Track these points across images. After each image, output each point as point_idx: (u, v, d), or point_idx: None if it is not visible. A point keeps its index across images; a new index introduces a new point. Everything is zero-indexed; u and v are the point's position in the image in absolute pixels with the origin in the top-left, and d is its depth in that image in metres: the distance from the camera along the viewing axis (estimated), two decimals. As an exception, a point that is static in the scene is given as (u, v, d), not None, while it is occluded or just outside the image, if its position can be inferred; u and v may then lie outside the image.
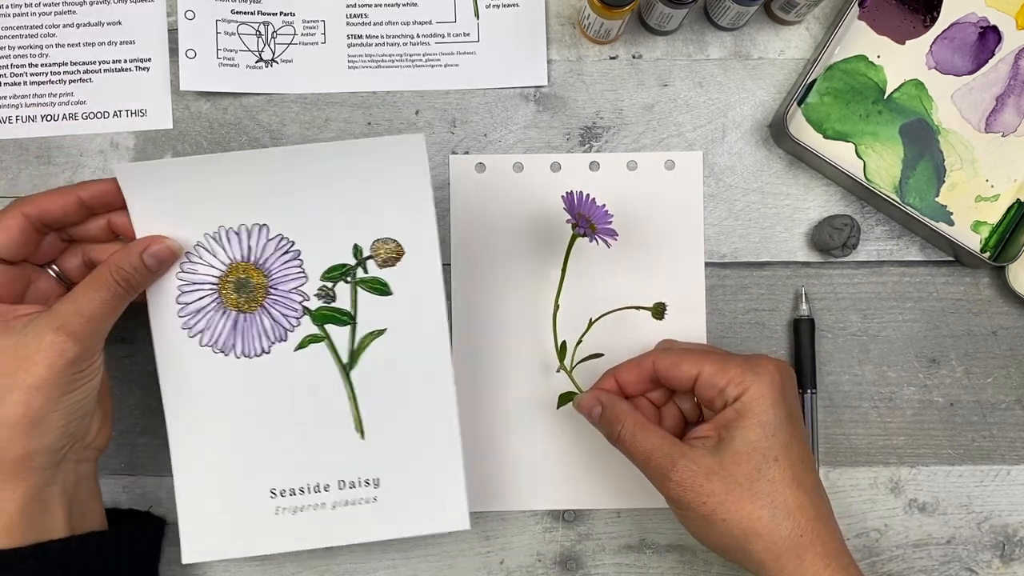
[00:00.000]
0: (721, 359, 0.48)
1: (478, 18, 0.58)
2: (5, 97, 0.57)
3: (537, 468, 0.56)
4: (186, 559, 0.50)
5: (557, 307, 0.54)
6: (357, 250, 0.50)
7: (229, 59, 0.57)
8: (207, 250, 0.49)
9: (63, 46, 0.57)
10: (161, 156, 0.57)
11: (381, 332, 0.50)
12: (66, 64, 0.57)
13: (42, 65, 0.57)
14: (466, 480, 0.51)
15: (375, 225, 0.50)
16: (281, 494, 0.50)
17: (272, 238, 0.50)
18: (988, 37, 0.57)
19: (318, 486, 0.51)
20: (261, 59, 0.57)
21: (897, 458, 0.57)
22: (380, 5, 0.58)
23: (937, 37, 0.57)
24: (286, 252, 0.50)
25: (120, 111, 0.57)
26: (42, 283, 0.48)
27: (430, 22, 0.58)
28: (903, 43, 0.57)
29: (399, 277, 0.50)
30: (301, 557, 0.56)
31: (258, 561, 0.55)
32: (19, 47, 0.57)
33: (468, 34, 0.57)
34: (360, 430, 0.51)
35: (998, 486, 0.57)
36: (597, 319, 0.54)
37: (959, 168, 0.56)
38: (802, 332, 0.56)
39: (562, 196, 0.52)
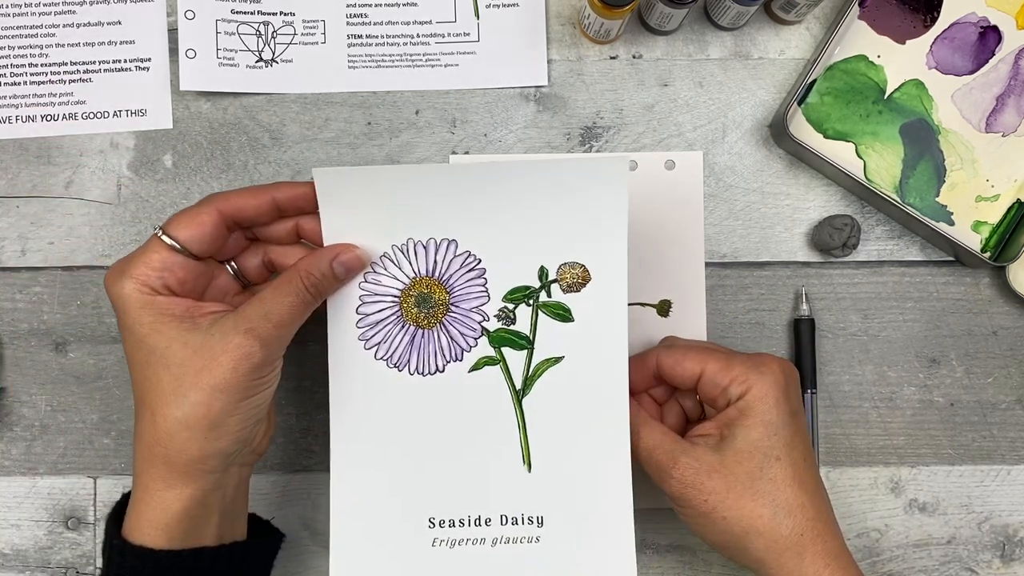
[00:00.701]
0: (725, 357, 0.48)
1: (478, 18, 0.58)
2: (5, 97, 0.57)
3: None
4: None
5: None
6: (543, 272, 0.48)
7: (229, 59, 0.57)
8: (393, 262, 0.48)
9: (63, 46, 0.57)
10: (161, 157, 0.57)
11: (558, 360, 0.48)
12: (66, 64, 0.57)
13: (42, 65, 0.57)
14: (634, 528, 0.48)
15: (564, 248, 0.48)
16: (440, 524, 0.48)
17: (459, 254, 0.48)
18: (988, 37, 0.57)
19: (479, 519, 0.48)
20: (261, 59, 0.57)
21: (897, 458, 0.57)
22: (380, 5, 0.58)
23: (937, 37, 0.57)
24: (472, 269, 0.48)
25: (120, 111, 0.57)
26: (221, 280, 0.47)
27: (430, 22, 0.57)
28: (903, 43, 0.57)
29: (583, 304, 0.48)
30: (301, 557, 0.56)
31: None
32: (19, 47, 0.57)
33: (468, 34, 0.57)
34: (527, 462, 0.48)
35: (998, 486, 0.57)
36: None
37: (959, 168, 0.56)
38: (802, 332, 0.56)
39: None
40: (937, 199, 0.56)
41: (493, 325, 0.48)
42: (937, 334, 0.57)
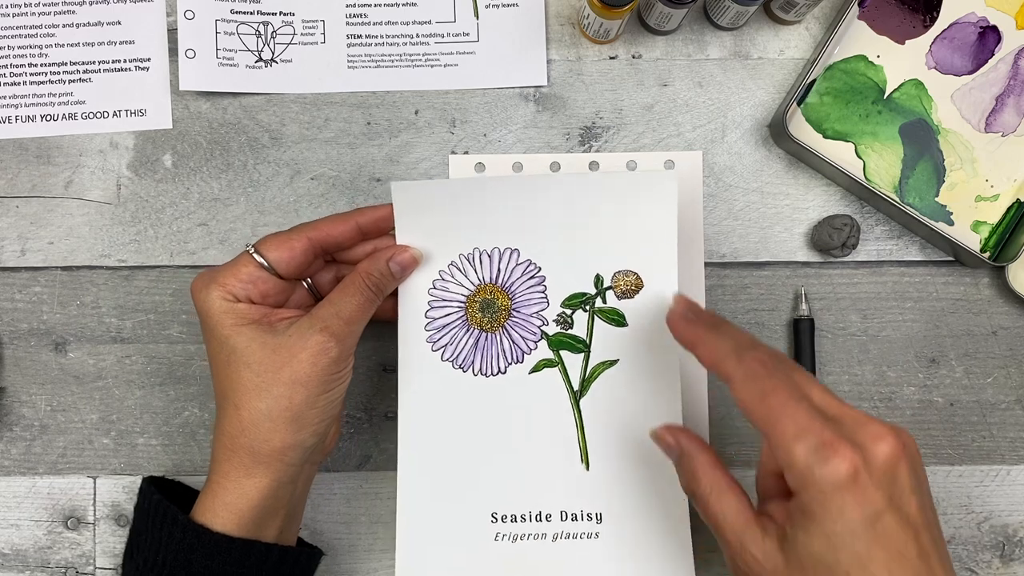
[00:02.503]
0: (793, 425, 0.39)
1: (478, 18, 0.58)
2: (5, 97, 0.57)
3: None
4: None
5: None
6: (598, 280, 0.51)
7: (229, 59, 0.57)
8: (459, 270, 0.51)
9: (63, 46, 0.57)
10: (160, 157, 0.57)
11: (613, 362, 0.51)
12: (66, 64, 0.57)
13: (42, 65, 0.57)
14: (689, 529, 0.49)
15: (618, 257, 0.51)
16: (502, 519, 0.50)
17: (521, 263, 0.51)
18: (988, 37, 0.57)
19: (540, 515, 0.50)
20: (261, 59, 0.57)
21: (897, 458, 0.57)
22: (380, 5, 0.58)
23: (937, 37, 0.57)
24: (532, 277, 0.51)
25: (120, 111, 0.57)
26: (297, 294, 0.50)
27: (430, 22, 0.58)
28: (903, 43, 0.57)
29: (636, 309, 0.51)
30: (301, 557, 0.56)
31: None
32: (19, 47, 0.57)
33: (468, 34, 0.57)
34: (585, 461, 0.50)
35: (998, 486, 0.57)
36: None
37: (959, 168, 0.56)
38: (802, 332, 0.56)
39: None
40: (937, 199, 0.56)
41: (552, 329, 0.51)
42: (937, 334, 0.57)
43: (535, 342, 0.51)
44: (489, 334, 0.51)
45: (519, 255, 0.51)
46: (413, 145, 0.57)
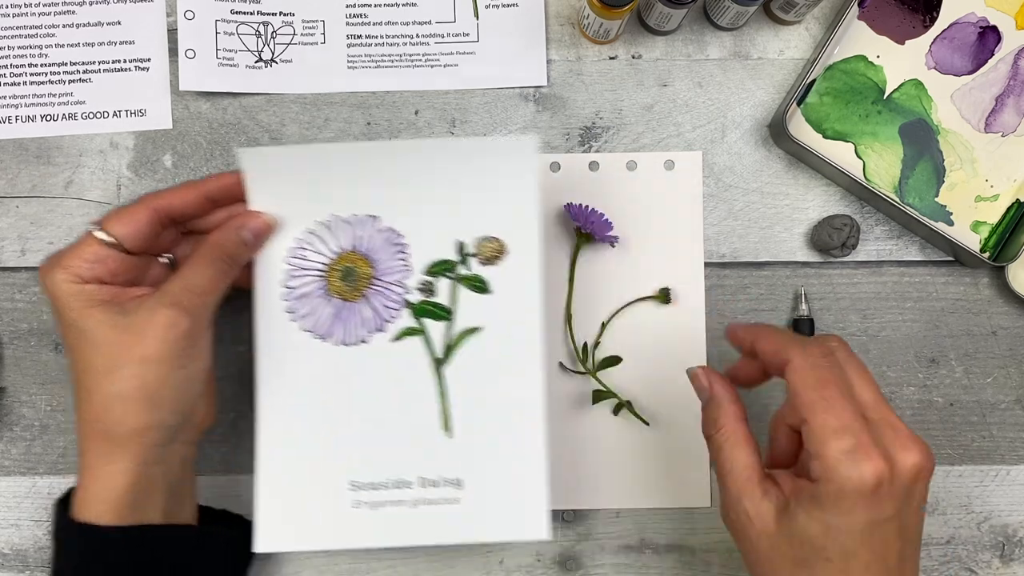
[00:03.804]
0: (836, 419, 0.40)
1: (478, 18, 0.58)
2: (5, 97, 0.57)
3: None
4: (259, 548, 0.49)
5: (570, 315, 0.55)
6: (461, 247, 0.50)
7: (229, 59, 0.57)
8: (318, 237, 0.50)
9: (63, 46, 0.57)
10: (160, 157, 0.57)
11: (477, 330, 0.50)
12: (66, 64, 0.57)
13: (42, 65, 0.57)
14: (549, 489, 0.50)
15: (480, 223, 0.50)
16: (362, 487, 0.50)
17: (382, 230, 0.50)
18: (988, 37, 0.57)
19: (400, 482, 0.50)
20: (261, 59, 0.57)
21: (897, 458, 0.57)
22: (380, 5, 0.58)
23: (937, 37, 0.57)
24: (393, 244, 0.50)
25: (120, 111, 0.57)
26: (155, 270, 0.49)
27: (430, 22, 0.58)
28: (903, 43, 0.57)
29: (499, 277, 0.50)
30: (301, 556, 0.56)
31: (257, 560, 0.55)
32: (19, 47, 0.57)
33: (468, 34, 0.57)
34: (447, 428, 0.50)
35: (998, 486, 0.57)
36: (609, 320, 0.56)
37: (959, 168, 0.56)
38: (802, 332, 0.56)
39: (565, 206, 0.55)
40: (936, 199, 0.56)
41: (415, 297, 0.51)
42: (936, 334, 0.57)
43: (397, 310, 0.50)
44: (350, 303, 0.50)
45: (379, 222, 0.50)
46: (413, 145, 0.57)
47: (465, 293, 0.50)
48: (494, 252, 0.50)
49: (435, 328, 0.50)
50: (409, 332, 0.50)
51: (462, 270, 0.51)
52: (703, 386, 0.46)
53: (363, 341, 0.50)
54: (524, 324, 0.50)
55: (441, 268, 0.51)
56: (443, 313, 0.50)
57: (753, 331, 0.46)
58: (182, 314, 0.44)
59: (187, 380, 0.45)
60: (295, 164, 0.49)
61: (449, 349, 0.50)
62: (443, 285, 0.51)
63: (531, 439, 0.50)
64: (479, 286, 0.50)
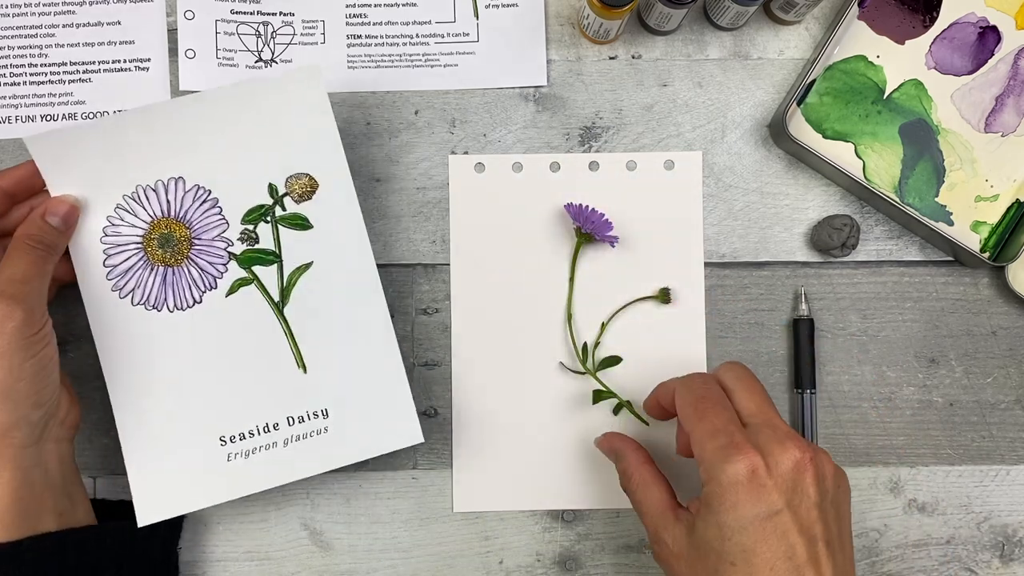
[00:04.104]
0: (710, 431, 0.43)
1: (477, 18, 0.58)
2: (5, 97, 0.57)
3: (536, 468, 0.56)
4: (141, 521, 0.50)
5: (570, 316, 0.55)
6: (272, 189, 0.52)
7: (228, 59, 0.57)
8: (127, 210, 0.51)
9: (63, 46, 0.57)
10: (160, 156, 0.57)
11: (308, 266, 0.52)
12: (66, 64, 0.57)
13: (42, 65, 0.57)
14: (413, 398, 0.52)
15: (286, 162, 0.52)
16: (231, 440, 0.51)
17: (189, 190, 0.51)
18: (987, 37, 0.57)
19: (267, 426, 0.51)
20: (260, 59, 0.57)
21: (897, 458, 0.57)
22: (380, 5, 0.58)
23: (936, 37, 0.57)
24: (204, 201, 0.51)
25: (120, 111, 0.57)
26: None
27: (429, 22, 0.58)
28: (902, 43, 0.57)
29: (317, 210, 0.52)
30: (301, 557, 0.56)
31: (256, 560, 0.55)
32: (19, 47, 0.57)
33: (467, 34, 0.57)
34: (302, 365, 0.52)
35: (998, 486, 0.57)
36: (609, 320, 0.56)
37: (959, 168, 0.56)
38: (801, 332, 0.56)
39: (565, 206, 0.55)
40: (936, 199, 0.56)
41: (239, 248, 0.52)
42: (936, 334, 0.57)
43: (224, 265, 0.51)
44: (175, 268, 0.51)
45: (184, 183, 0.51)
46: (413, 145, 0.57)
47: (288, 233, 0.52)
48: (305, 188, 0.51)
49: (267, 273, 0.52)
50: (241, 283, 0.52)
51: (279, 211, 0.52)
52: (609, 448, 0.51)
53: (198, 302, 0.51)
54: (352, 251, 0.52)
55: (258, 214, 0.52)
56: (270, 257, 0.52)
57: (656, 395, 0.50)
58: (11, 303, 0.44)
59: (39, 370, 0.45)
60: (87, 142, 0.50)
61: (285, 290, 0.52)
62: (265, 230, 0.52)
63: (385, 354, 0.52)
64: (299, 223, 0.52)
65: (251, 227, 0.52)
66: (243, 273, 0.52)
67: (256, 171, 0.51)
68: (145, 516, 0.50)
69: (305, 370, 0.52)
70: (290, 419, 0.51)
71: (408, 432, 0.52)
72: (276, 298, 0.52)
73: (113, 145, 0.50)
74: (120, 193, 0.51)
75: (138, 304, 0.51)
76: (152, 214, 0.51)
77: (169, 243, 0.51)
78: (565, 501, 0.56)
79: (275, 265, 0.52)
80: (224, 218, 0.51)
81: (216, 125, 0.51)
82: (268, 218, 0.52)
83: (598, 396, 0.55)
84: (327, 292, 0.52)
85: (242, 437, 0.51)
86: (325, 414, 0.52)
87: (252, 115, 0.51)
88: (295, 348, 0.52)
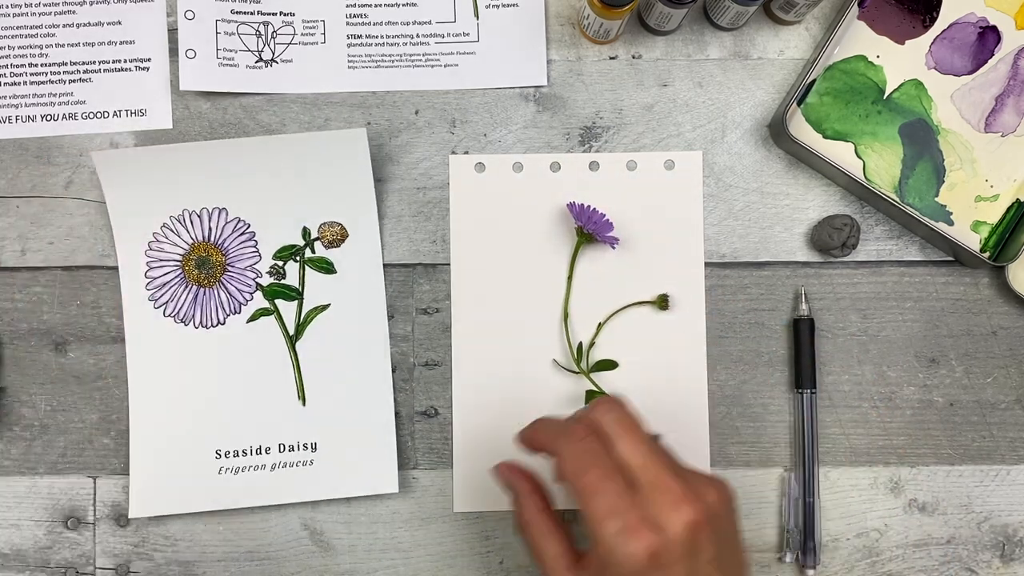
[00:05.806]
0: (604, 502, 0.41)
1: (478, 18, 0.58)
2: (5, 97, 0.57)
3: (536, 468, 0.56)
4: (133, 514, 0.54)
5: (567, 315, 0.55)
6: (306, 232, 0.56)
7: (229, 59, 0.57)
8: (172, 231, 0.55)
9: (63, 46, 0.57)
10: (161, 156, 0.57)
11: (325, 307, 0.56)
12: (66, 64, 0.57)
13: (42, 65, 0.57)
14: (397, 447, 0.55)
15: (322, 210, 0.56)
16: (226, 455, 0.55)
17: (230, 220, 0.55)
18: (987, 37, 0.57)
19: (260, 448, 0.55)
20: (261, 59, 0.57)
21: (897, 458, 0.57)
22: (380, 5, 0.58)
23: (936, 37, 0.57)
24: (243, 233, 0.56)
25: (120, 111, 0.57)
26: None
27: (430, 22, 0.58)
28: (902, 43, 0.57)
29: (343, 257, 0.56)
30: (301, 557, 0.56)
31: (256, 560, 0.56)
32: (19, 47, 0.57)
33: (468, 34, 0.58)
34: (302, 397, 0.55)
35: (998, 486, 0.57)
36: (605, 321, 0.55)
37: (959, 168, 0.56)
38: (802, 332, 0.56)
39: (567, 206, 0.55)
40: (936, 199, 0.56)
41: (266, 281, 0.56)
42: (936, 334, 0.57)
43: (251, 293, 0.56)
44: (207, 289, 0.55)
45: (227, 214, 0.55)
46: (413, 145, 0.57)
47: (313, 274, 0.56)
48: (337, 235, 0.56)
49: (287, 308, 0.56)
50: (263, 312, 0.56)
51: (308, 253, 0.56)
52: (505, 482, 0.48)
53: (221, 323, 0.55)
54: (368, 300, 0.56)
55: (289, 252, 0.56)
56: (293, 294, 0.56)
57: (530, 433, 0.46)
58: None
59: None
60: (146, 165, 0.54)
61: (301, 326, 0.56)
62: (292, 268, 0.56)
63: (379, 403, 0.55)
64: (325, 267, 0.56)
65: (281, 263, 0.56)
66: (266, 304, 0.56)
67: (294, 213, 0.55)
68: (138, 510, 0.54)
69: (304, 402, 0.55)
70: (281, 446, 0.55)
71: (386, 481, 0.55)
72: (291, 332, 0.56)
73: (168, 170, 0.54)
74: (168, 214, 0.55)
75: (169, 316, 0.55)
76: (194, 237, 0.55)
77: (205, 265, 0.55)
78: (565, 501, 0.56)
79: (296, 301, 0.56)
80: (258, 251, 0.56)
81: (264, 166, 0.55)
82: (297, 258, 0.56)
83: (590, 396, 0.55)
84: (338, 335, 0.55)
85: (236, 454, 0.55)
86: (314, 447, 0.55)
87: (298, 163, 0.55)
88: (299, 380, 0.55)
